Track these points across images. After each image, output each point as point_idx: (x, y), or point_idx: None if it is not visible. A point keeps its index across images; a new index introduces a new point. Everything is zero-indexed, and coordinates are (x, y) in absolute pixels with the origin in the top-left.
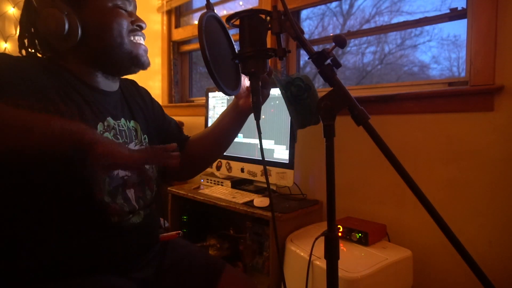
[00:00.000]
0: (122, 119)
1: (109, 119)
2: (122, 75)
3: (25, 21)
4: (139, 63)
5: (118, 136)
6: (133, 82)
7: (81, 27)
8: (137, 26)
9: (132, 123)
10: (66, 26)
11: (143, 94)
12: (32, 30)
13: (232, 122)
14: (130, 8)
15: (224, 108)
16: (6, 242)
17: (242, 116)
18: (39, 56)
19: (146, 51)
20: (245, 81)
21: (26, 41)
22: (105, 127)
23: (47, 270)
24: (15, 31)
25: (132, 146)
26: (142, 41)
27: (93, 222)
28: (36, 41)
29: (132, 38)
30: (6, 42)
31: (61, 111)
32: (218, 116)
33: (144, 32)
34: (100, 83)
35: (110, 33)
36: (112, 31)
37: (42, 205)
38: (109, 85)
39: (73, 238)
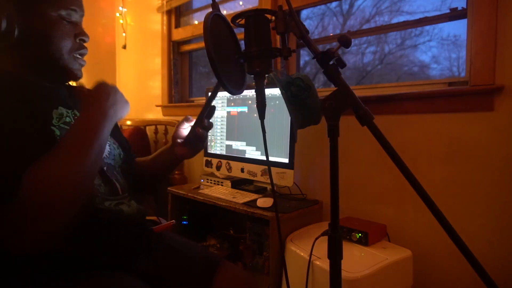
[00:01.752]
0: (75, 111)
1: (61, 108)
2: (55, 83)
3: None
4: (71, 76)
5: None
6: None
7: (19, 30)
8: (80, 40)
9: None
10: (3, 26)
11: None
12: None
13: (165, 163)
14: (75, 18)
15: (224, 108)
16: None
17: (175, 160)
18: None
19: (82, 65)
20: (181, 133)
21: None
22: (59, 115)
23: (43, 266)
24: None
25: None
26: (82, 56)
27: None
28: None
29: (73, 54)
30: None
31: (13, 109)
32: (217, 117)
33: (144, 33)
34: (42, 83)
35: (48, 47)
36: (51, 45)
37: None
38: (53, 85)
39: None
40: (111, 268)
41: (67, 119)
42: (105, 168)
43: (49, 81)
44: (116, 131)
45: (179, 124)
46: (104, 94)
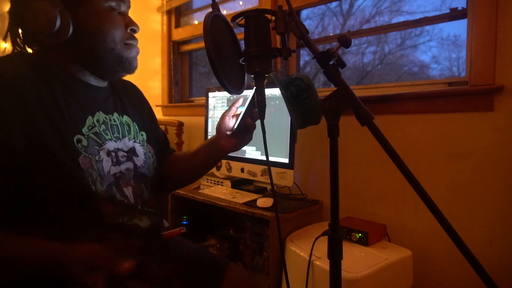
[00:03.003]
0: (115, 114)
1: (100, 113)
2: (109, 78)
3: (13, 12)
4: (128, 68)
5: (108, 132)
6: (128, 82)
7: (72, 26)
8: (131, 30)
9: (125, 118)
10: (58, 23)
11: (140, 96)
12: (19, 21)
13: (209, 157)
14: (123, 9)
15: (224, 108)
16: None
17: (221, 153)
18: (26, 53)
19: (138, 53)
20: (228, 123)
21: (10, 34)
22: (94, 122)
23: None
24: None
25: (126, 141)
26: (135, 44)
27: (92, 221)
28: (21, 33)
29: (125, 43)
30: (6, 42)
31: (48, 112)
32: (217, 117)
33: (144, 33)
34: (89, 79)
35: (103, 38)
36: (105, 36)
37: (38, 207)
38: (98, 82)
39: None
40: (121, 277)
41: (102, 127)
42: (130, 181)
43: (102, 76)
44: (154, 131)
45: (224, 114)
46: (80, 261)
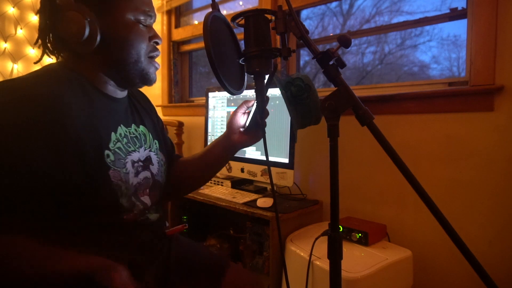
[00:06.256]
0: (133, 125)
1: (121, 127)
2: (129, 88)
3: (44, 19)
4: (147, 81)
5: (130, 144)
6: (137, 90)
7: (100, 35)
8: (154, 43)
9: (141, 128)
10: (87, 32)
11: (149, 103)
12: (50, 29)
13: (222, 153)
14: (150, 22)
15: (224, 108)
16: None
17: (233, 149)
18: (51, 67)
19: (157, 68)
20: (240, 120)
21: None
22: (118, 137)
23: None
24: (15, 31)
25: (142, 151)
26: (156, 59)
27: (114, 229)
28: (52, 38)
29: (149, 56)
30: (6, 42)
31: (80, 128)
32: (217, 117)
33: None
34: (110, 91)
35: (128, 50)
36: (130, 48)
37: (58, 212)
38: (119, 93)
39: (89, 240)
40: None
41: (124, 141)
42: (147, 190)
43: (123, 86)
44: (164, 138)
45: (236, 110)
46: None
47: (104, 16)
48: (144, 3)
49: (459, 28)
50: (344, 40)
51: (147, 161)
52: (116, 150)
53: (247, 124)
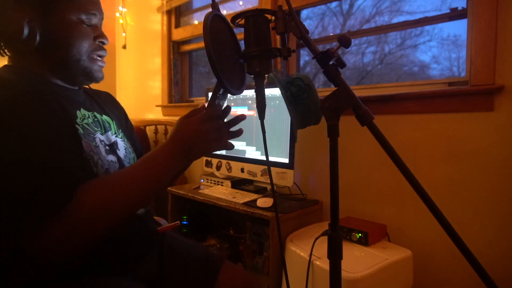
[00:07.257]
0: (95, 112)
1: (83, 110)
2: (76, 86)
3: None
4: (92, 78)
5: (94, 126)
6: (104, 92)
7: (41, 35)
8: (99, 42)
9: (104, 117)
10: (25, 32)
11: (118, 104)
12: None
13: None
14: (94, 21)
15: None
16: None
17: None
18: (9, 66)
19: (102, 66)
20: None
21: None
22: (83, 115)
23: (49, 270)
24: None
25: (109, 135)
26: (101, 57)
27: None
28: None
29: (91, 55)
30: None
31: (55, 114)
32: None
33: (144, 33)
34: (63, 84)
35: (69, 49)
36: (71, 47)
37: None
38: (70, 87)
39: None
40: (116, 272)
41: (89, 120)
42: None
43: (70, 83)
44: (132, 133)
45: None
46: (188, 137)
47: (46, 16)
48: (88, 2)
49: (459, 28)
50: (344, 40)
51: (114, 145)
52: (84, 125)
53: None
